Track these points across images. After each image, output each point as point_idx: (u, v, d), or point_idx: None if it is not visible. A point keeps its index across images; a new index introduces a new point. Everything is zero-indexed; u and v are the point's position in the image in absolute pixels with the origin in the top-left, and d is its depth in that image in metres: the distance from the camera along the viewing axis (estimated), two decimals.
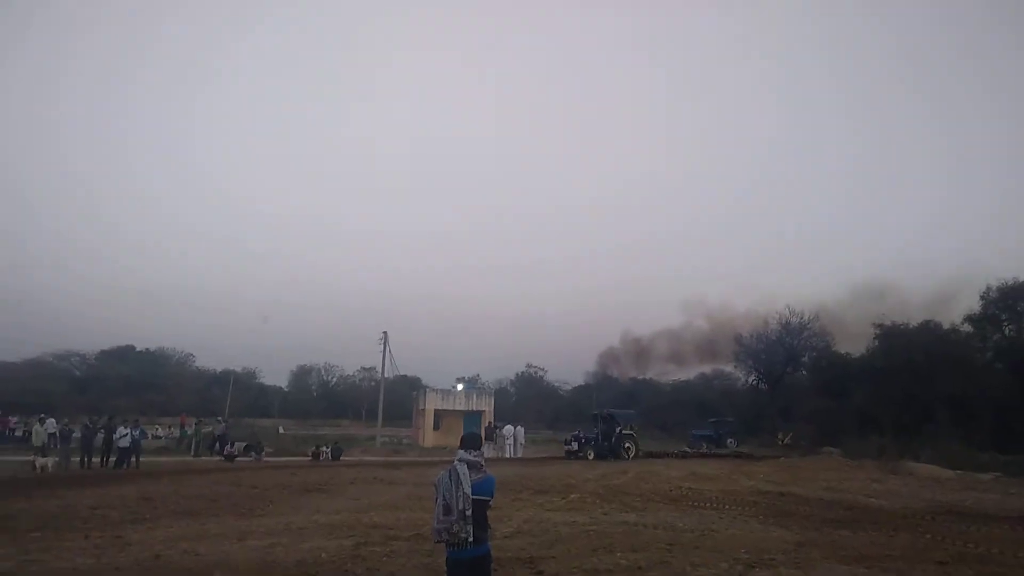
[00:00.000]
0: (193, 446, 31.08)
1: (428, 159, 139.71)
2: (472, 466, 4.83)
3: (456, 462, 4.85)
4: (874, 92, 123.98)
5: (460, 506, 4.61)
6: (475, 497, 4.68)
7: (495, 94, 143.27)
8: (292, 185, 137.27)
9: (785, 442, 38.46)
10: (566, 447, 32.68)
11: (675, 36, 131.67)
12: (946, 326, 37.64)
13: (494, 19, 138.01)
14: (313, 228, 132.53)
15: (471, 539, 4.62)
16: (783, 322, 48.52)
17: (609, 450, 31.56)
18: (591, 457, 30.86)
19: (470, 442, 5.02)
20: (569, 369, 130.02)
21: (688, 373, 72.68)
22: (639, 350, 63.70)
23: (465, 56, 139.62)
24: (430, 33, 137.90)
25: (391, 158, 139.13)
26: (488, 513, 4.88)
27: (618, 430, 32.17)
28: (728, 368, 60.31)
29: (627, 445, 31.79)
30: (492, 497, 4.92)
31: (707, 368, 71.23)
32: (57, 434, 25.70)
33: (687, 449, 36.51)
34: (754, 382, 52.30)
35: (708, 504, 14.65)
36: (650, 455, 32.56)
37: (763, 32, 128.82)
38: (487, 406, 43.95)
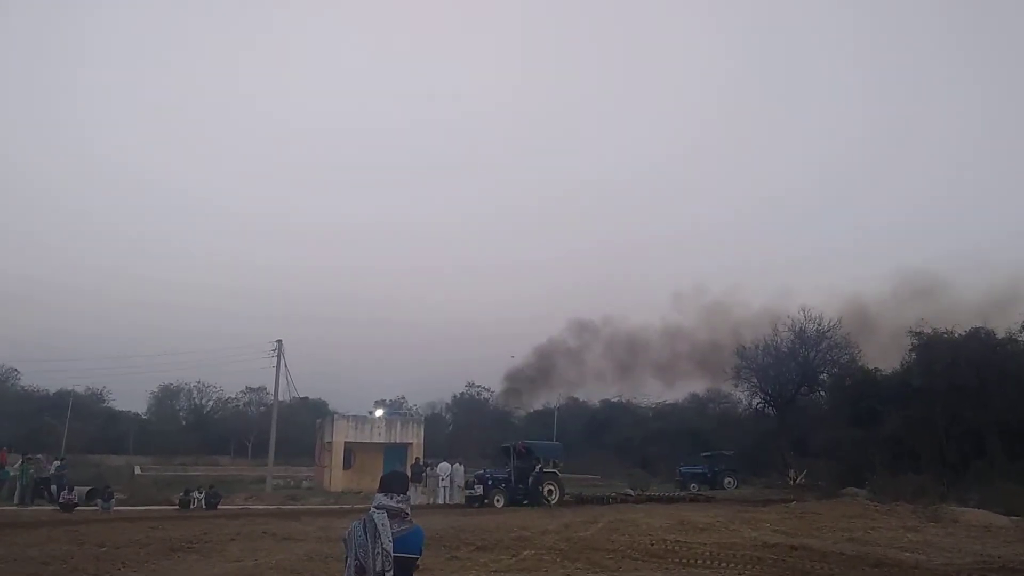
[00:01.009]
0: (17, 492, 30.29)
1: (342, 138, 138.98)
2: (394, 515, 4.81)
3: (373, 510, 4.82)
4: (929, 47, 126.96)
5: (378, 567, 4.58)
6: (398, 555, 4.66)
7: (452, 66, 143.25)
8: (153, 158, 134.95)
9: (798, 481, 39.19)
10: (467, 491, 32.76)
11: None
12: (1000, 334, 38.47)
13: None
14: (183, 213, 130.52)
15: None
16: (797, 329, 49.13)
17: (525, 494, 31.87)
18: (500, 504, 31.12)
19: (393, 484, 4.99)
20: None
21: (676, 394, 73.50)
22: (630, 343, 62.19)
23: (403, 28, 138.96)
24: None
25: (293, 133, 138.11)
26: None
27: (538, 468, 32.47)
28: (727, 388, 61.04)
29: (548, 487, 32.09)
30: (420, 555, 4.90)
31: (700, 388, 72.06)
32: None
33: (629, 492, 36.78)
34: (759, 406, 53.03)
35: (700, 561, 14.89)
36: (581, 500, 32.98)
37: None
38: (415, 437, 43.83)
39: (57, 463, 32.79)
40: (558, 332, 66.61)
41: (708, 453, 47.44)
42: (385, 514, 4.77)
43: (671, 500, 33.97)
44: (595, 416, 76.01)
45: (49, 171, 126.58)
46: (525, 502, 31.39)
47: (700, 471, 45.10)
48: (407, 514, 4.90)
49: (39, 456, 34.45)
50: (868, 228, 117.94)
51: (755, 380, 50.90)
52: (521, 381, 60.47)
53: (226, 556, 15.72)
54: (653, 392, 73.98)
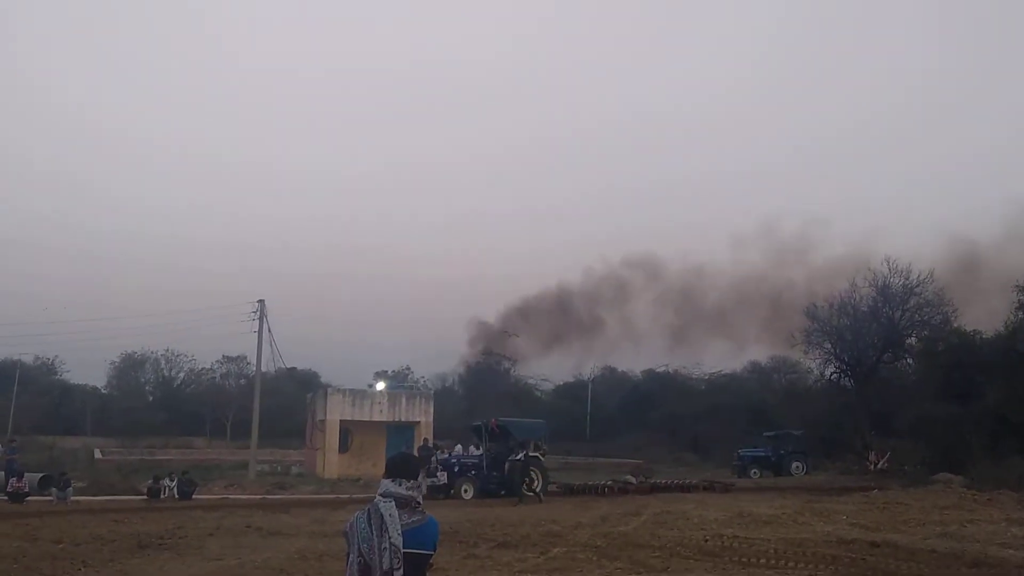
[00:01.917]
0: None
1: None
2: (403, 504, 4.79)
3: (379, 498, 4.81)
4: None
5: (386, 564, 4.59)
6: (408, 551, 4.67)
7: None
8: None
9: (879, 466, 39.17)
10: (429, 480, 31.52)
11: None
12: None
13: None
14: (144, 156, 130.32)
15: None
16: (879, 284, 48.62)
17: (500, 483, 31.66)
18: (468, 495, 30.93)
19: (401, 468, 4.96)
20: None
21: (733, 363, 73.46)
22: (691, 286, 60.94)
23: None
24: None
25: (278, 69, 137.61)
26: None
27: (523, 453, 31.49)
28: (794, 355, 60.79)
29: (530, 474, 31.24)
30: (434, 551, 4.92)
31: (761, 356, 71.97)
32: None
33: (630, 479, 35.74)
34: (833, 376, 52.79)
35: (763, 560, 14.96)
36: (571, 490, 32.76)
37: None
38: (423, 415, 44.06)
39: (1, 448, 33.15)
40: (600, 269, 65.60)
41: (772, 433, 47.26)
42: (393, 503, 4.74)
43: (684, 489, 33.15)
44: (636, 388, 76.16)
45: None
46: (502, 492, 31.02)
47: (762, 454, 45.03)
48: (419, 503, 4.87)
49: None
50: (977, 153, 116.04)
51: (828, 346, 50.54)
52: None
53: (204, 554, 15.87)
54: (707, 361, 73.95)
